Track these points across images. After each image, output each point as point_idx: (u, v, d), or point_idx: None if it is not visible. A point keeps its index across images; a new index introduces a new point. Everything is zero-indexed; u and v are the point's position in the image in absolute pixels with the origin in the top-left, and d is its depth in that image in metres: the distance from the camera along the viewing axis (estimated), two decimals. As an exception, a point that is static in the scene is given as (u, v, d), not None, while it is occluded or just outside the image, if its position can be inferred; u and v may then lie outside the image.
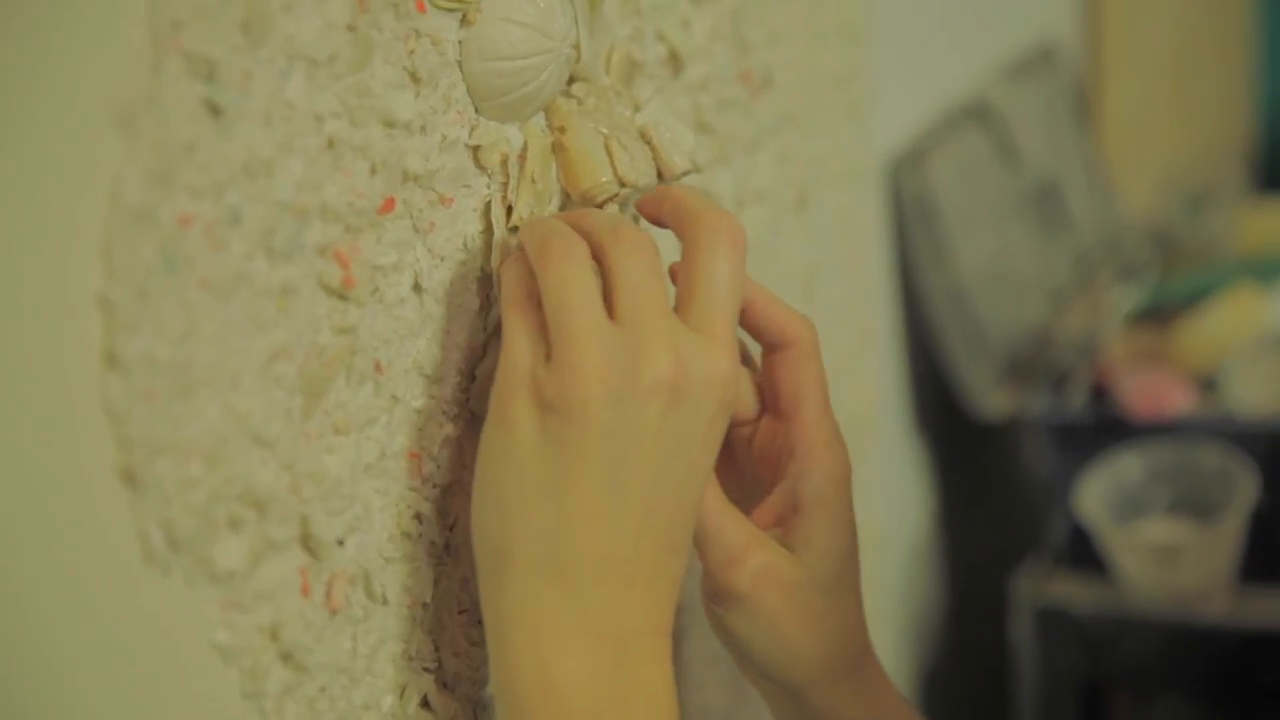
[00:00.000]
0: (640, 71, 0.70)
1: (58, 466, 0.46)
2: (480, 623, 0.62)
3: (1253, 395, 1.39)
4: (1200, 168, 2.12)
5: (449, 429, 0.61)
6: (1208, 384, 1.43)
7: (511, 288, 0.57)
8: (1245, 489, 1.30)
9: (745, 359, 0.66)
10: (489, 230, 0.62)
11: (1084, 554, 1.38)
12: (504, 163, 0.62)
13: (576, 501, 0.54)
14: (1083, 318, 1.57)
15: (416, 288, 0.59)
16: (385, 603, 0.59)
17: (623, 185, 0.64)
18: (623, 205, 0.66)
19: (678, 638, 0.79)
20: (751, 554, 0.61)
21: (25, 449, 0.45)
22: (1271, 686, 1.34)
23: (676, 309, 0.57)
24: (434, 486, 0.61)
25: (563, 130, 0.64)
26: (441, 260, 0.60)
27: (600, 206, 0.65)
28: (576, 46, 0.63)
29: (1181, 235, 1.83)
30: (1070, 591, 1.39)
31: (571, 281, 0.55)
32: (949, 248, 1.36)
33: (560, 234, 0.57)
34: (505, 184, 0.62)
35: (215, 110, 0.49)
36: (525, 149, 0.63)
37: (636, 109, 0.68)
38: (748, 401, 0.65)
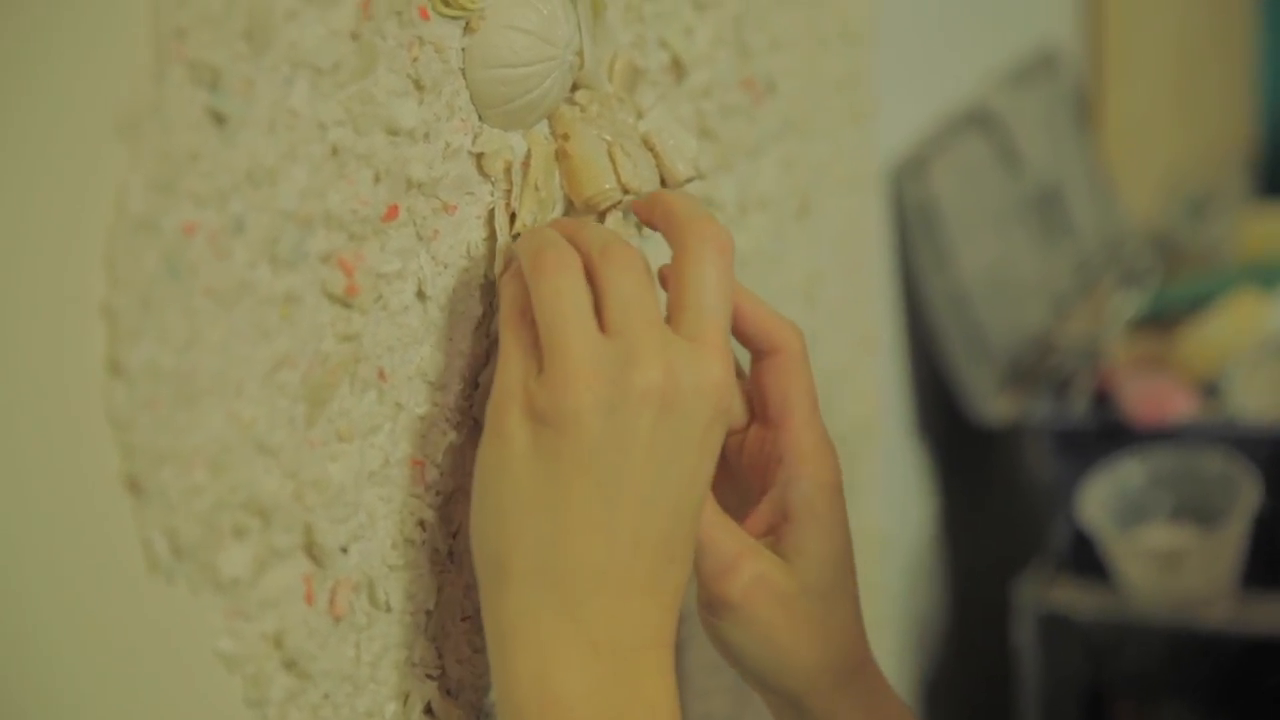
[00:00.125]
0: (643, 78, 0.70)
1: (62, 475, 0.46)
2: (484, 629, 0.62)
3: (1255, 401, 1.39)
4: (1202, 173, 2.12)
5: (452, 436, 0.61)
6: (1210, 389, 1.43)
7: (507, 305, 0.58)
8: (1247, 495, 1.30)
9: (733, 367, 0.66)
10: (492, 237, 0.62)
11: (1086, 560, 1.38)
12: (507, 170, 0.62)
13: (570, 513, 0.54)
14: (1085, 323, 1.57)
15: (420, 295, 0.59)
16: (389, 610, 0.59)
17: (626, 192, 0.64)
18: (626, 212, 0.67)
19: (681, 646, 0.79)
20: (744, 563, 0.61)
21: (29, 457, 0.45)
22: (1274, 692, 1.34)
23: (668, 319, 0.57)
24: (437, 494, 0.61)
25: (566, 137, 0.64)
26: (445, 268, 0.60)
27: (604, 213, 0.65)
28: (580, 54, 0.63)
29: (1183, 241, 1.83)
30: (1073, 597, 1.39)
31: (563, 294, 0.55)
32: (951, 253, 1.36)
33: (554, 246, 0.57)
34: (509, 191, 0.63)
35: (219, 118, 0.49)
36: (529, 156, 0.63)
37: (639, 116, 0.68)
38: (736, 409, 0.65)
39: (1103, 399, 1.43)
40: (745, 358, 0.66)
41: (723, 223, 0.78)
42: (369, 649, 0.59)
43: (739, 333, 0.64)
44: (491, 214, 0.62)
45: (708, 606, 0.62)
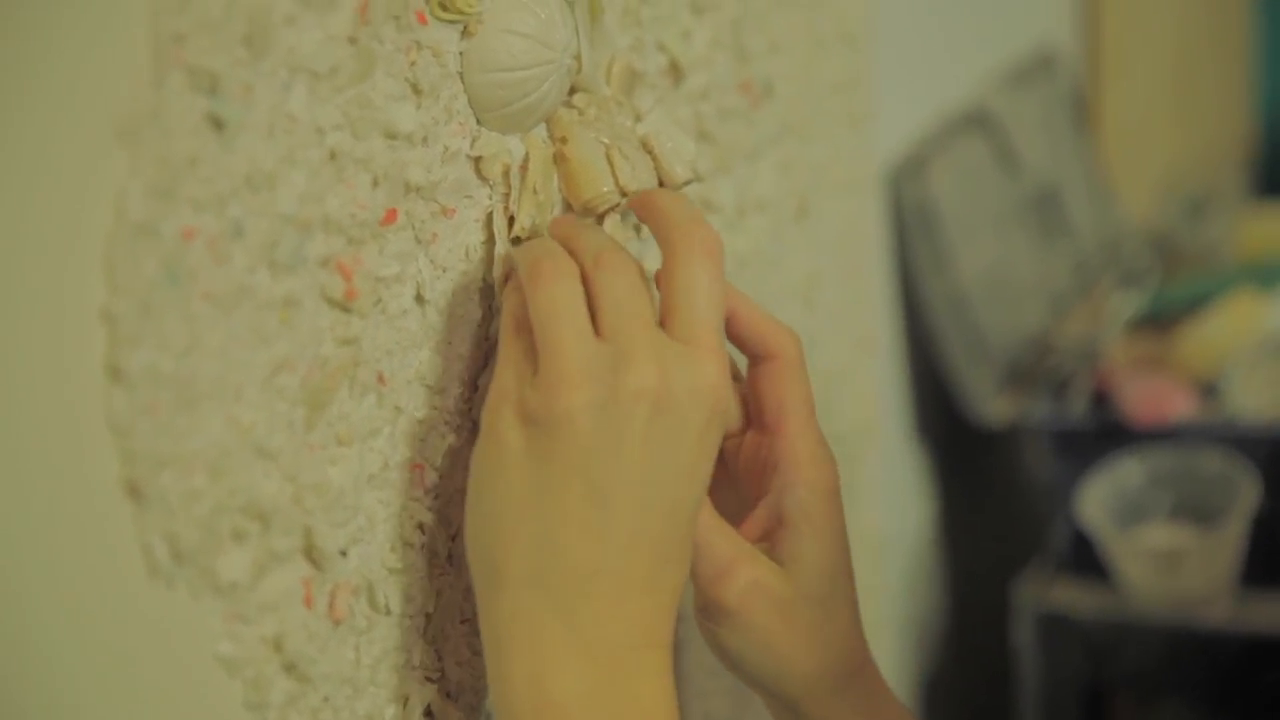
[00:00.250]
0: (641, 81, 0.70)
1: (62, 480, 0.46)
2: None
3: (1253, 400, 1.39)
4: (1200, 173, 2.12)
5: (451, 439, 0.61)
6: (1209, 389, 1.43)
7: (507, 314, 0.58)
8: (1246, 494, 1.30)
9: (730, 371, 0.66)
10: (491, 241, 0.62)
11: (1086, 560, 1.38)
12: (506, 174, 0.62)
13: (563, 515, 0.54)
14: (1083, 324, 1.57)
15: (419, 299, 0.59)
16: (388, 613, 0.59)
17: (624, 195, 0.64)
18: (624, 215, 0.67)
19: (680, 647, 0.79)
20: (740, 569, 0.61)
21: (29, 463, 0.45)
22: (1273, 690, 1.34)
23: (661, 323, 0.57)
24: (436, 497, 0.61)
25: (564, 141, 0.64)
26: (444, 271, 0.60)
27: (602, 216, 0.65)
28: (577, 57, 0.63)
29: (1181, 241, 1.83)
30: (1072, 597, 1.39)
31: (558, 299, 0.55)
32: (949, 255, 1.36)
33: (550, 255, 0.57)
34: (507, 195, 0.63)
35: (217, 123, 0.50)
36: (527, 160, 0.63)
37: (638, 119, 0.68)
38: (732, 413, 0.65)
39: (1102, 399, 1.44)
40: (742, 362, 0.66)
41: (721, 225, 0.79)
42: (369, 652, 0.59)
43: (735, 337, 0.64)
44: (490, 217, 0.62)
45: (704, 611, 0.62)
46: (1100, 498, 1.34)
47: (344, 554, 0.57)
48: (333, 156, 0.54)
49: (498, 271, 0.62)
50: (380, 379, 0.58)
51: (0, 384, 0.44)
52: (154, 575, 0.49)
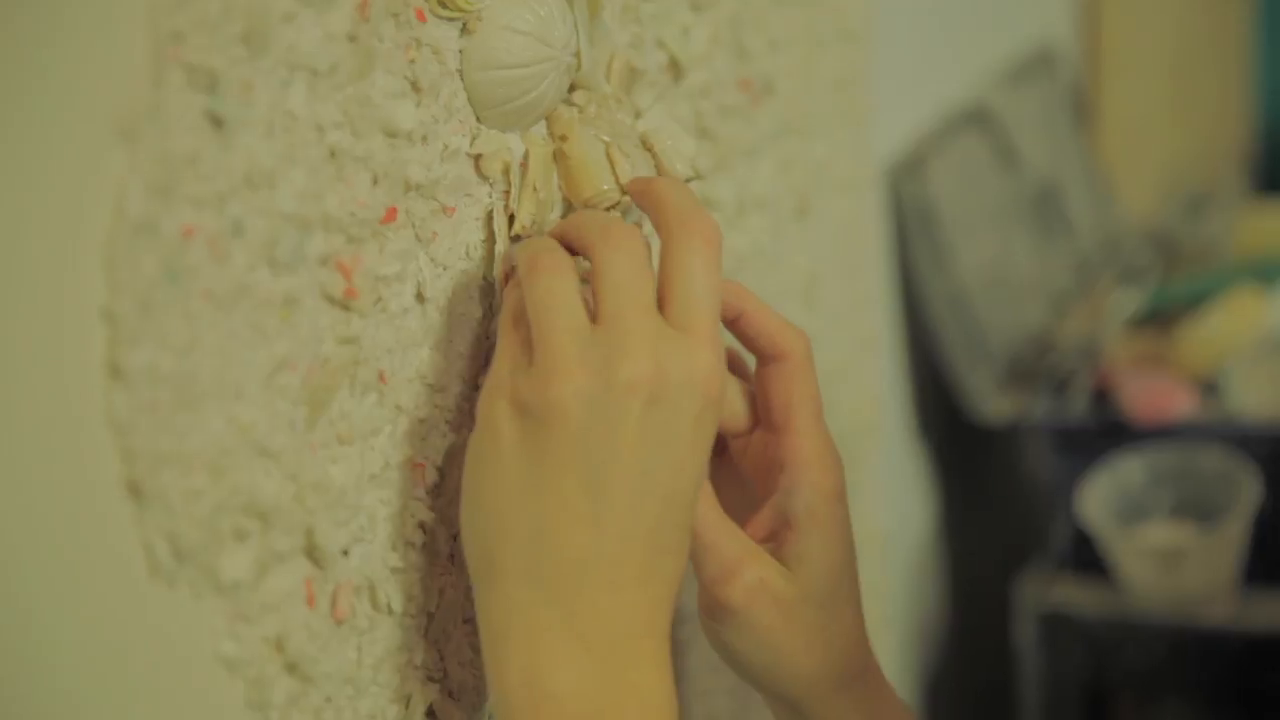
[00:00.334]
0: (641, 79, 0.70)
1: (62, 479, 0.46)
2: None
3: (1254, 398, 1.39)
4: (1200, 170, 2.12)
5: (453, 438, 0.61)
6: (1209, 387, 1.43)
7: (505, 310, 0.58)
8: (1248, 492, 1.30)
9: (739, 370, 0.66)
10: (491, 239, 0.62)
11: (1087, 558, 1.38)
12: (506, 171, 0.62)
13: (557, 505, 0.54)
14: (1083, 322, 1.57)
15: (419, 297, 0.59)
16: (390, 613, 0.59)
17: (624, 193, 0.64)
18: (625, 212, 0.67)
19: (683, 646, 0.79)
20: (745, 568, 0.61)
21: (30, 462, 0.45)
22: (1275, 689, 1.34)
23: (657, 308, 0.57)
24: (438, 496, 0.61)
25: (564, 138, 0.64)
26: (444, 270, 0.60)
27: (602, 214, 0.65)
28: (577, 54, 0.63)
29: (1181, 238, 1.83)
30: (1073, 596, 1.39)
31: (555, 291, 0.55)
32: (949, 253, 1.36)
33: (549, 250, 0.57)
34: (507, 193, 0.63)
35: (217, 121, 0.49)
36: (527, 157, 0.63)
37: (637, 116, 0.68)
38: (739, 413, 0.65)
39: (1102, 397, 1.43)
40: (751, 361, 0.66)
41: (721, 223, 0.79)
42: (371, 652, 0.58)
43: (743, 337, 0.64)
44: (490, 215, 0.62)
45: (708, 610, 0.62)
46: (1101, 496, 1.34)
47: (346, 553, 0.57)
48: (332, 154, 0.54)
49: (498, 270, 0.62)
50: (381, 378, 0.58)
51: (0, 383, 0.44)
52: (155, 575, 0.49)
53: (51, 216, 0.45)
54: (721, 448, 0.68)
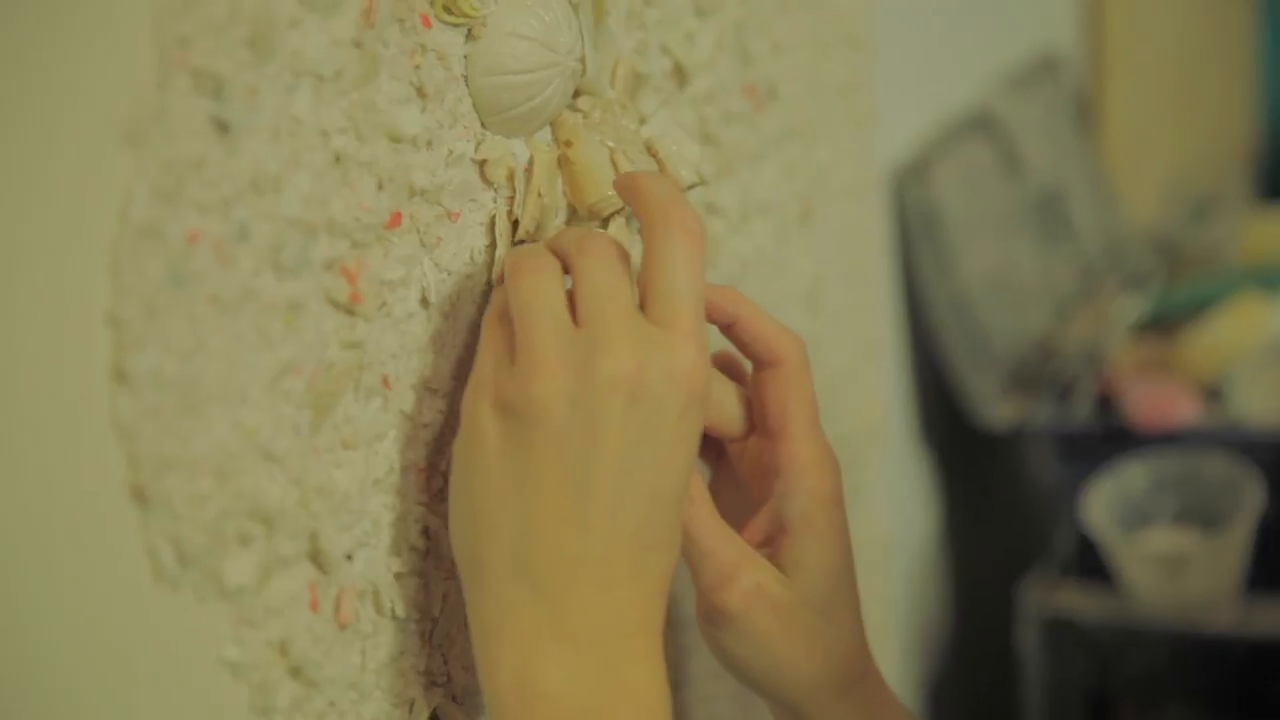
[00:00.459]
0: (645, 84, 0.70)
1: (67, 484, 0.46)
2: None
3: (1258, 404, 1.39)
4: (1204, 176, 2.12)
5: (456, 443, 0.61)
6: (1213, 393, 1.43)
7: (490, 310, 0.58)
8: (1251, 498, 1.30)
9: (736, 375, 0.66)
10: (495, 245, 0.62)
11: (1090, 564, 1.37)
12: (510, 177, 0.62)
13: (542, 504, 0.54)
14: (1087, 327, 1.57)
15: (424, 302, 0.59)
16: (394, 617, 0.59)
17: (629, 198, 0.64)
18: (629, 218, 0.67)
19: (685, 652, 0.79)
20: (742, 574, 0.61)
21: (34, 466, 0.45)
22: (1278, 696, 1.34)
23: (640, 307, 0.57)
24: (442, 501, 0.61)
25: (568, 144, 0.64)
26: (448, 275, 0.60)
27: (607, 220, 0.65)
28: (582, 60, 0.63)
29: (1185, 244, 1.83)
30: (1077, 601, 1.39)
31: (538, 291, 0.56)
32: (953, 258, 1.36)
33: (534, 254, 0.58)
34: (511, 198, 0.63)
35: (222, 126, 0.50)
36: (531, 163, 0.63)
37: (642, 122, 0.68)
38: (736, 419, 0.65)
39: (1106, 403, 1.43)
40: (747, 366, 0.66)
41: (725, 229, 0.79)
42: (374, 656, 0.59)
43: (740, 342, 0.64)
44: (494, 221, 0.62)
45: (706, 617, 0.62)
46: (1105, 502, 1.34)
47: (350, 558, 0.57)
48: (337, 160, 0.54)
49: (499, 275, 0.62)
50: (385, 382, 0.58)
51: (5, 387, 0.44)
52: (159, 579, 0.49)
53: (56, 221, 0.45)
54: (719, 453, 0.68)
